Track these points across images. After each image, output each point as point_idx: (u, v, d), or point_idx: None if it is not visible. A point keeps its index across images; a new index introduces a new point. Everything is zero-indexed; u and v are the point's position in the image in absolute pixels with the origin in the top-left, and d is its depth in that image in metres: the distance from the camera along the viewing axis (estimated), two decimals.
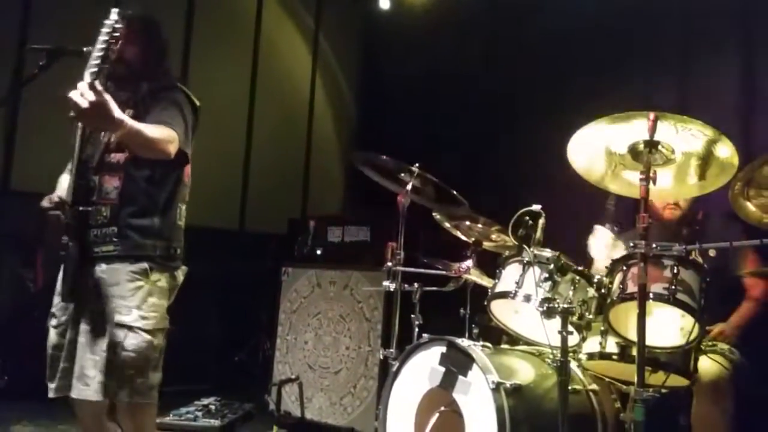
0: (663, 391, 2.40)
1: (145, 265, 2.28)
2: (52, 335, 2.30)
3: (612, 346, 2.44)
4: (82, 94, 1.96)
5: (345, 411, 3.53)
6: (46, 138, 4.07)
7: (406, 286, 3.13)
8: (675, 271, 2.24)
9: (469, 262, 2.94)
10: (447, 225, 3.13)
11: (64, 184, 2.36)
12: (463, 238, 3.12)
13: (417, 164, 3.12)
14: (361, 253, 3.79)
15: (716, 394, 2.54)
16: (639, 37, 4.09)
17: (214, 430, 3.27)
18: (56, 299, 2.30)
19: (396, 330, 3.10)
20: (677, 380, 2.38)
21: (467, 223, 3.04)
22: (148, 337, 2.23)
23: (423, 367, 2.64)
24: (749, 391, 2.63)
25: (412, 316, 3.12)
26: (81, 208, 2.20)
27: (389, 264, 3.10)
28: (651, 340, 2.13)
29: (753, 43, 3.69)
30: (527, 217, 2.53)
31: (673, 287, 2.21)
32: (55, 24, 4.04)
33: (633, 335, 2.10)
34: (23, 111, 4.01)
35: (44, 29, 3.97)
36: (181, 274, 2.42)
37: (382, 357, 3.24)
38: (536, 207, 2.57)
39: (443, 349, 2.61)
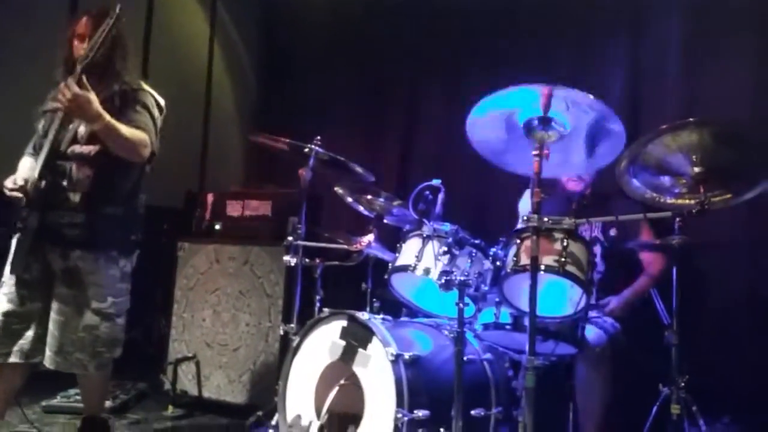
0: (552, 358, 2.54)
1: (114, 252, 2.52)
2: (4, 303, 2.45)
3: (506, 316, 2.53)
4: (69, 87, 2.26)
5: (245, 388, 3.48)
6: None
7: (307, 260, 3.11)
8: (565, 244, 2.32)
9: (370, 237, 2.95)
10: (349, 199, 3.12)
11: (26, 164, 2.59)
12: (365, 212, 3.13)
13: (317, 138, 3.10)
14: (261, 227, 3.72)
15: (597, 362, 2.70)
16: (537, 14, 4.19)
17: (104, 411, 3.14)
18: (8, 269, 2.43)
19: (297, 305, 3.08)
20: (566, 348, 2.50)
21: (368, 197, 3.04)
22: (119, 320, 2.54)
23: (324, 342, 2.64)
24: (628, 359, 2.81)
25: (314, 290, 3.11)
26: (45, 183, 2.40)
27: (290, 239, 3.06)
28: (542, 311, 2.22)
29: (640, 23, 3.87)
30: (427, 192, 2.56)
31: (563, 259, 2.30)
32: None
33: (525, 306, 2.18)
34: None
35: None
36: (135, 258, 2.65)
37: (282, 332, 3.21)
38: (436, 182, 2.61)
39: (344, 323, 2.62)
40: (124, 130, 2.41)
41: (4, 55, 4.02)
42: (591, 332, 2.74)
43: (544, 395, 2.14)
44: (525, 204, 3.23)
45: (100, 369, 2.52)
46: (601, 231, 3.13)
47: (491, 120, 2.28)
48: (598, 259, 2.95)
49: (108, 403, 3.16)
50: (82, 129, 2.48)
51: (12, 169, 2.63)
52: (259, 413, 3.13)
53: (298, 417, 2.62)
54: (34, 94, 2.74)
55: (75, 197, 2.46)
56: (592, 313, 2.90)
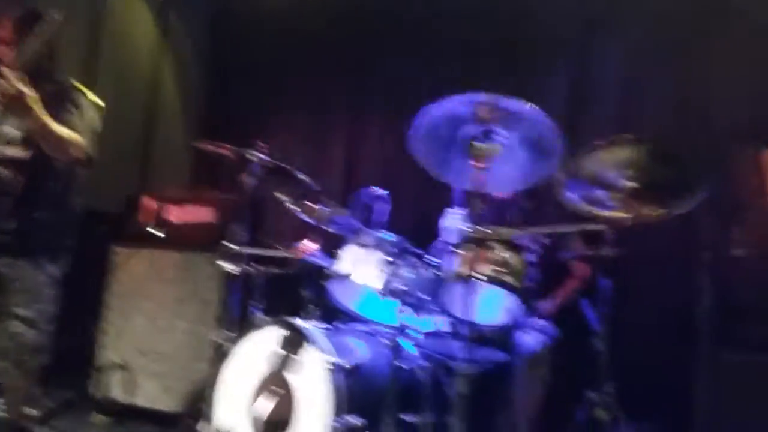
0: (487, 365, 2.57)
1: (42, 258, 2.45)
2: None
3: (444, 324, 2.55)
4: (10, 81, 2.18)
5: (179, 396, 3.39)
6: None
7: (246, 267, 3.06)
8: (502, 254, 2.37)
9: (311, 244, 2.94)
10: (289, 205, 3.09)
11: None
12: (306, 218, 3.10)
13: (260, 144, 3.07)
14: (202, 233, 3.65)
15: (535, 364, 2.76)
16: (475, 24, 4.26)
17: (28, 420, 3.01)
18: None
19: (234, 312, 3.02)
20: (499, 355, 2.54)
21: (309, 204, 3.02)
22: (45, 328, 2.47)
23: (260, 349, 2.60)
24: (563, 361, 2.88)
25: (252, 298, 3.06)
26: None
27: (228, 245, 3.02)
28: (479, 319, 2.25)
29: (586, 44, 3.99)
30: (365, 198, 2.57)
31: (500, 269, 2.34)
32: None
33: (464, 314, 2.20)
34: None
35: None
36: (66, 264, 2.57)
37: (217, 340, 3.14)
38: (381, 192, 2.63)
39: (281, 330, 2.59)
40: (59, 131, 2.35)
41: None
42: (530, 337, 2.82)
43: (481, 402, 2.16)
44: (448, 223, 3.23)
45: (24, 377, 2.44)
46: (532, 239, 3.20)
47: (431, 132, 2.31)
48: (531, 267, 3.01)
49: (33, 412, 3.04)
50: (10, 131, 2.39)
51: None
52: (189, 421, 3.05)
53: (232, 426, 2.57)
54: None
55: (7, 202, 2.38)
56: (530, 320, 2.96)
